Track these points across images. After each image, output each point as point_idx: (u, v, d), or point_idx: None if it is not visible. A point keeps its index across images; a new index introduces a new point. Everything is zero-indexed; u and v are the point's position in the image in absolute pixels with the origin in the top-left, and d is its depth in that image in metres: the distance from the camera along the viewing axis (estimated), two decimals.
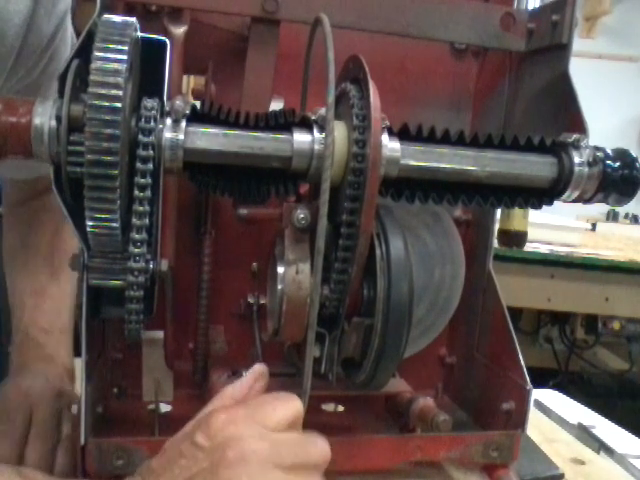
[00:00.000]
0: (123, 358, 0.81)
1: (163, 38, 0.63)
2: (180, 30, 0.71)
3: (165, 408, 0.81)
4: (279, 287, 0.63)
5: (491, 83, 0.83)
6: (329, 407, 0.84)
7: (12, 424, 0.70)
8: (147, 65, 0.60)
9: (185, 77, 0.74)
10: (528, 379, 0.71)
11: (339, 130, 0.58)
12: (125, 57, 0.50)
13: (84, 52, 0.53)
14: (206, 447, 0.48)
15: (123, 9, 0.67)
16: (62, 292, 0.91)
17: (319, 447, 0.50)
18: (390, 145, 0.59)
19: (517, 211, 1.99)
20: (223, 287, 0.83)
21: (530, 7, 0.78)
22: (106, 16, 0.53)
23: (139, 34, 0.56)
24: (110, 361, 0.80)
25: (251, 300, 0.83)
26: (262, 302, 0.80)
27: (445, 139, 0.62)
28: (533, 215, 2.15)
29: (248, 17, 0.70)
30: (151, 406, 0.79)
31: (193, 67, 0.74)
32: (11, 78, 0.71)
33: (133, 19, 0.54)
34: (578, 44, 0.81)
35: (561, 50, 0.70)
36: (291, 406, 0.52)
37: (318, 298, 0.57)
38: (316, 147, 0.57)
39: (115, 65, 0.49)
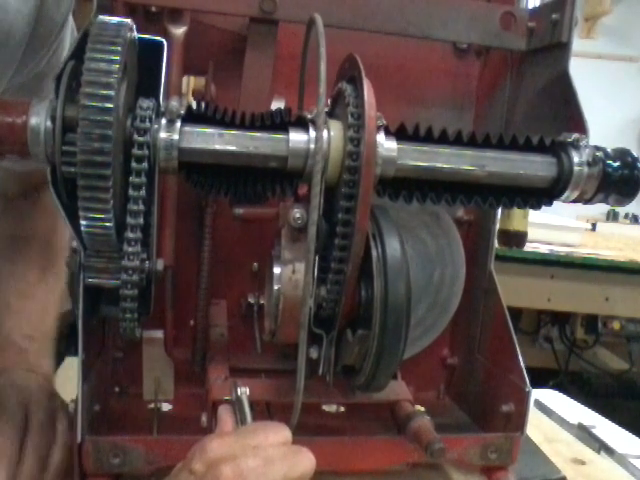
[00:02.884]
0: (124, 357, 0.82)
1: (160, 39, 0.63)
2: (180, 31, 0.71)
3: (167, 407, 0.81)
4: (275, 287, 0.63)
5: (493, 83, 0.83)
6: (331, 408, 0.84)
7: (10, 421, 0.70)
8: (145, 66, 0.60)
9: (186, 77, 0.74)
10: (527, 381, 0.71)
11: (335, 129, 0.58)
12: (118, 57, 0.49)
13: (81, 53, 0.52)
14: (203, 471, 0.49)
15: (124, 10, 0.67)
16: (50, 293, 0.90)
17: (306, 457, 0.52)
18: (386, 144, 0.59)
19: (517, 211, 1.98)
20: (223, 287, 0.83)
21: (530, 6, 0.78)
22: (101, 17, 0.53)
23: (136, 35, 0.56)
24: (111, 360, 0.80)
25: (252, 300, 0.83)
26: (262, 302, 0.80)
27: (443, 139, 0.62)
28: (533, 215, 2.15)
29: (247, 17, 0.69)
30: (151, 405, 0.79)
31: (193, 67, 0.74)
32: (22, 70, 0.70)
33: (128, 20, 0.54)
34: (578, 44, 0.81)
35: (561, 49, 0.69)
36: (281, 433, 0.54)
37: (309, 297, 0.57)
38: (312, 147, 0.57)
39: (107, 65, 0.49)
